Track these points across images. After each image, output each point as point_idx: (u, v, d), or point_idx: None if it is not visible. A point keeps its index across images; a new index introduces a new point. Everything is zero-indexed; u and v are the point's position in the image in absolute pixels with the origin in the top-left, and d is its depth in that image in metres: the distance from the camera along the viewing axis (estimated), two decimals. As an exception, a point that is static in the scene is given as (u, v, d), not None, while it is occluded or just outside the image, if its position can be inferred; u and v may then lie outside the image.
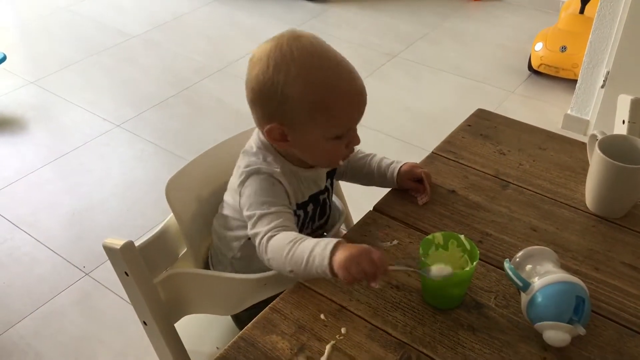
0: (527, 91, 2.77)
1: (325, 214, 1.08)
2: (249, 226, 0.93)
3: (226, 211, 1.03)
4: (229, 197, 1.03)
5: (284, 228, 0.90)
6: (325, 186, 1.06)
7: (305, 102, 0.89)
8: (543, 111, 2.61)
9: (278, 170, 0.95)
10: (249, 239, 0.99)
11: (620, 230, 0.99)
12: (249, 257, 1.02)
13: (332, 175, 1.08)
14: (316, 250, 0.83)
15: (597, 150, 0.98)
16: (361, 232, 0.99)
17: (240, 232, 1.01)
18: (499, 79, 2.85)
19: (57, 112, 2.67)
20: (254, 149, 0.99)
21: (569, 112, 2.48)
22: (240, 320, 1.05)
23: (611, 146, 0.98)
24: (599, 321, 0.83)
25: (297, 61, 0.88)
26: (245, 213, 0.94)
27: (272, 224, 0.90)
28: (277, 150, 0.98)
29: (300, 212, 1.01)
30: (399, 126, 2.50)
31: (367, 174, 1.12)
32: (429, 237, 0.87)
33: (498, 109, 2.56)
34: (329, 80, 0.90)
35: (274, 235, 0.89)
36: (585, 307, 0.77)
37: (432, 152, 1.18)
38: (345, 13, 3.43)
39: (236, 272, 1.04)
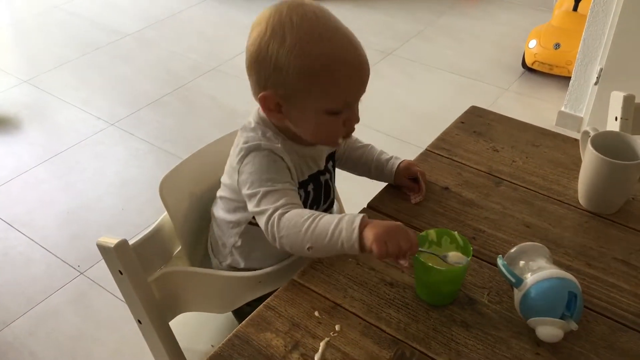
0: (521, 88, 2.78)
1: (329, 197, 1.06)
2: (252, 204, 0.89)
3: (224, 193, 1.00)
4: (226, 178, 1.00)
5: (294, 206, 0.87)
6: (326, 167, 1.03)
7: (300, 72, 0.85)
8: (537, 108, 2.62)
9: (279, 146, 0.92)
10: (250, 223, 0.97)
11: (613, 226, 1.00)
12: (249, 245, 1.00)
13: (333, 157, 1.05)
14: (342, 224, 0.81)
15: (589, 147, 0.98)
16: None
17: (240, 215, 0.98)
18: (494, 76, 2.86)
19: (51, 111, 2.66)
20: (252, 124, 0.95)
21: (562, 109, 2.48)
22: (243, 315, 1.05)
23: (604, 143, 0.99)
24: (591, 316, 0.84)
25: (295, 29, 0.85)
26: (246, 191, 0.90)
27: (281, 202, 0.86)
28: (275, 125, 0.94)
29: (301, 192, 0.97)
30: (394, 123, 2.50)
31: (364, 165, 1.10)
32: (423, 234, 0.87)
33: (492, 106, 2.57)
34: (327, 51, 0.86)
35: (286, 212, 0.85)
36: (577, 302, 0.78)
37: (426, 149, 1.18)
38: (340, 10, 3.39)
39: (236, 261, 1.03)
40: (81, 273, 1.86)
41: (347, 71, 0.88)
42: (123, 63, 3.00)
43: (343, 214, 0.83)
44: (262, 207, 0.87)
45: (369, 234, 0.79)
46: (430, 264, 0.82)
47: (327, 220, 0.82)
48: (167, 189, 1.01)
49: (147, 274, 0.98)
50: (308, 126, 0.92)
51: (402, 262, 0.80)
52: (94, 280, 1.83)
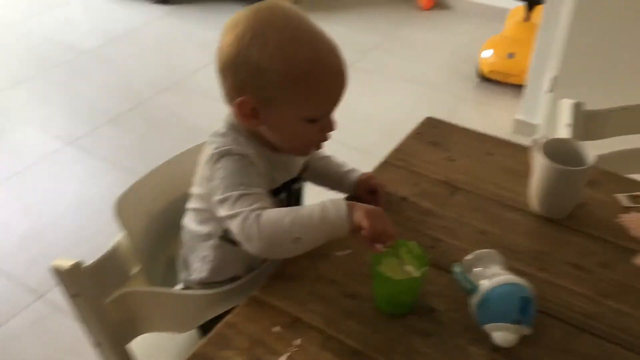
0: (478, 97, 2.83)
1: (298, 205, 1.05)
2: (224, 208, 0.85)
3: (194, 204, 0.98)
4: (196, 188, 0.97)
5: (269, 209, 0.85)
6: (300, 175, 1.02)
7: (282, 77, 0.83)
8: (494, 116, 2.68)
9: (252, 152, 0.89)
10: (220, 238, 0.96)
11: (564, 231, 1.02)
12: (218, 259, 0.99)
13: (305, 165, 1.04)
14: (327, 204, 0.82)
15: (539, 154, 1.01)
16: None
17: (211, 227, 0.96)
18: (451, 86, 2.91)
19: (7, 131, 2.60)
20: (223, 130, 0.93)
21: (518, 117, 2.54)
22: (209, 330, 1.03)
23: (554, 150, 1.01)
24: (546, 321, 0.86)
25: (277, 31, 0.83)
26: (218, 197, 0.86)
27: (256, 205, 0.83)
28: (248, 131, 0.92)
29: (274, 200, 0.95)
30: (356, 135, 2.52)
31: (324, 176, 1.11)
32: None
33: (450, 115, 2.61)
34: (310, 55, 0.84)
35: (262, 212, 0.83)
36: (531, 307, 0.79)
37: (384, 160, 1.20)
38: (299, 24, 3.44)
39: (205, 276, 1.01)
40: (41, 296, 1.81)
41: (327, 78, 0.87)
42: (81, 81, 2.95)
43: (322, 201, 0.84)
44: (236, 210, 0.84)
45: (359, 211, 0.82)
46: (388, 275, 0.82)
47: (309, 208, 0.83)
48: (123, 208, 0.99)
49: (105, 295, 0.96)
50: (284, 133, 0.90)
51: (378, 247, 0.82)
52: (54, 303, 1.78)
